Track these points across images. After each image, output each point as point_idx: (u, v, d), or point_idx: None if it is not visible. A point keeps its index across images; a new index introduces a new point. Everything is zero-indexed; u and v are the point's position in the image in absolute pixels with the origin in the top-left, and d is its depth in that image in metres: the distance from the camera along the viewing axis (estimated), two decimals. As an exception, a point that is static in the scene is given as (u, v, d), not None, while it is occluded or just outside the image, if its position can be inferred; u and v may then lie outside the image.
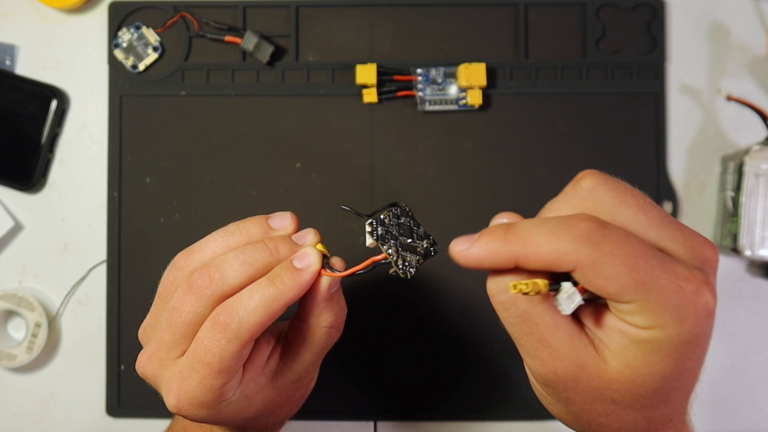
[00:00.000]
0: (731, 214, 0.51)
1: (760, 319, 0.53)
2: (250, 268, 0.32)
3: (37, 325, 0.52)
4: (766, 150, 0.50)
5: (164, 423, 0.53)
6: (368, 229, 0.32)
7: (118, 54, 0.53)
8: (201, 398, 0.32)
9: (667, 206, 0.53)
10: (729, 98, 0.53)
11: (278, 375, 0.36)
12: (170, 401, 0.33)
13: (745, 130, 0.53)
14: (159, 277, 0.35)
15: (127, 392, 0.53)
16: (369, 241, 0.32)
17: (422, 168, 0.53)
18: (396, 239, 0.32)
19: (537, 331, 0.29)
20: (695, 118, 0.54)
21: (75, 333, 0.54)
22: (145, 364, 0.34)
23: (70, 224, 0.54)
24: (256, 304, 0.31)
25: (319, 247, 0.33)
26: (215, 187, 0.53)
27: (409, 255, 0.32)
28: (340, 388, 0.51)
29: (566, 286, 0.28)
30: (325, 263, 0.33)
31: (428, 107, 0.53)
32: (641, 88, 0.53)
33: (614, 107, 0.53)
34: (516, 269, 0.28)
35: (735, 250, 0.50)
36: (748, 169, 0.50)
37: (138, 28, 0.53)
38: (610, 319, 0.29)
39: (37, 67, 0.54)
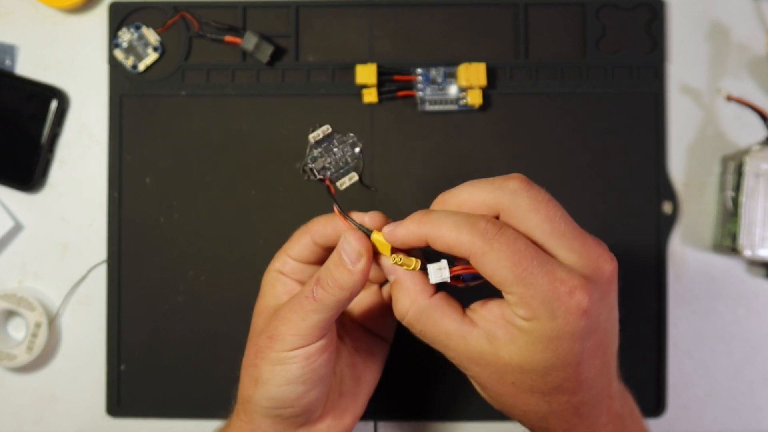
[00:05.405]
0: (731, 214, 0.51)
1: (760, 319, 0.53)
2: None
3: (37, 325, 0.52)
4: (766, 150, 0.50)
5: (164, 423, 0.53)
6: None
7: (118, 54, 0.53)
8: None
9: (667, 206, 0.53)
10: (729, 98, 0.53)
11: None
12: None
13: (745, 130, 0.53)
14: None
15: (127, 392, 0.53)
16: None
17: (422, 168, 0.53)
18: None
19: (441, 329, 0.35)
20: (695, 118, 0.54)
21: (75, 333, 0.54)
22: None
23: (70, 224, 0.54)
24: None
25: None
26: (215, 187, 0.53)
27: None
28: (340, 388, 0.51)
29: (442, 262, 0.35)
30: None
31: (428, 107, 0.53)
32: (641, 88, 0.53)
33: (614, 107, 0.53)
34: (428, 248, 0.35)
35: (735, 250, 0.50)
36: (748, 169, 0.50)
37: (138, 28, 0.53)
38: (501, 311, 0.34)
39: (37, 67, 0.54)
